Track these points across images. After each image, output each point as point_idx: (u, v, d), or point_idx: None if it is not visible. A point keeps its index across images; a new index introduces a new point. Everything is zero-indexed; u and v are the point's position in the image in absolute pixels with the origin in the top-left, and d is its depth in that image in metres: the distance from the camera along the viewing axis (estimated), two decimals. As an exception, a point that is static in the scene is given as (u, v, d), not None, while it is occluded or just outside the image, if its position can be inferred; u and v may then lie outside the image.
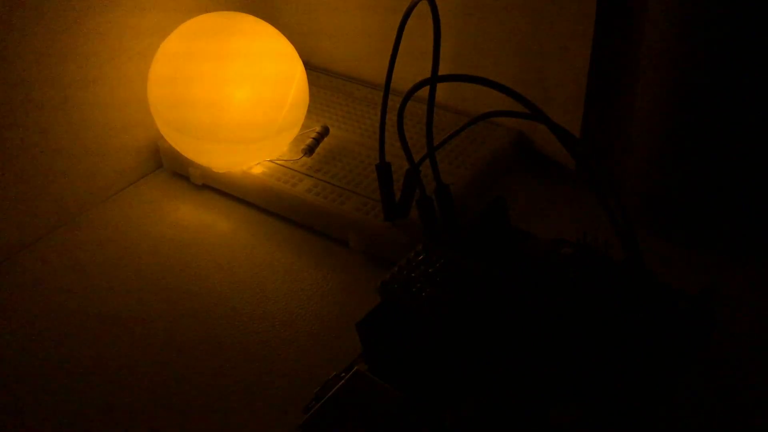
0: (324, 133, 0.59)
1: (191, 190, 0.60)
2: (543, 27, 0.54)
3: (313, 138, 0.58)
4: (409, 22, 0.44)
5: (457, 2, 0.57)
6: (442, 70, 0.45)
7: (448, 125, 0.60)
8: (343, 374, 0.39)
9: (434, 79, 0.44)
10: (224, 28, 0.54)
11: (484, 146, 0.58)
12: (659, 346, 0.37)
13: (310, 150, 0.57)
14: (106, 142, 0.59)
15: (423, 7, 0.43)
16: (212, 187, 0.60)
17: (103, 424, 0.43)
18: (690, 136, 0.48)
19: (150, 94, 0.55)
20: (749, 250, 0.50)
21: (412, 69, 0.49)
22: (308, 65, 0.67)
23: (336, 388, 0.38)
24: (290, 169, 0.57)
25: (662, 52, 0.46)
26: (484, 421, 0.36)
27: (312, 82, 0.60)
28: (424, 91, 0.44)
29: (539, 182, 0.58)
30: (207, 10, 0.59)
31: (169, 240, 0.55)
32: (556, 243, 0.43)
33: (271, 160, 0.57)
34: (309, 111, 0.59)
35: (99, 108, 0.57)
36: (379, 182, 0.49)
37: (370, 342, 0.40)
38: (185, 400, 0.44)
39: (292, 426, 0.38)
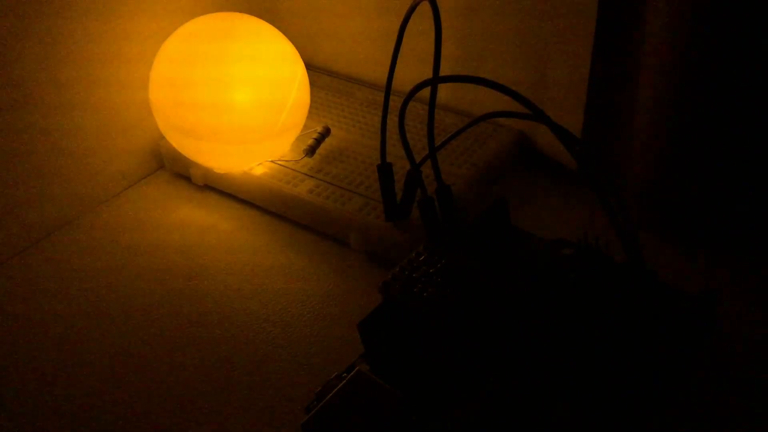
0: (325, 133, 0.59)
1: (192, 191, 0.60)
2: (544, 27, 0.54)
3: (315, 138, 0.58)
4: (411, 22, 0.44)
5: (458, 3, 0.57)
6: (444, 71, 0.45)
7: (450, 126, 0.60)
8: (345, 374, 0.39)
9: (435, 80, 0.44)
10: (225, 29, 0.54)
11: (485, 147, 0.58)
12: (659, 346, 0.37)
13: (311, 150, 0.57)
14: (107, 143, 0.59)
15: (424, 8, 0.43)
16: (213, 188, 0.60)
17: (103, 424, 0.43)
18: (691, 135, 0.48)
19: (152, 94, 0.55)
20: (749, 250, 0.50)
21: (413, 70, 0.49)
22: (309, 66, 0.67)
23: (337, 388, 0.38)
24: (291, 169, 0.57)
25: (664, 51, 0.46)
26: (485, 421, 0.36)
27: (313, 82, 0.60)
28: (426, 92, 0.44)
29: (540, 182, 0.58)
30: (208, 11, 0.59)
31: (170, 241, 0.55)
32: (557, 243, 0.43)
33: (272, 161, 0.57)
34: (310, 111, 0.59)
35: (100, 109, 0.57)
36: (380, 183, 0.49)
37: (372, 342, 0.40)
38: (186, 400, 0.44)
39: (293, 425, 0.38)
